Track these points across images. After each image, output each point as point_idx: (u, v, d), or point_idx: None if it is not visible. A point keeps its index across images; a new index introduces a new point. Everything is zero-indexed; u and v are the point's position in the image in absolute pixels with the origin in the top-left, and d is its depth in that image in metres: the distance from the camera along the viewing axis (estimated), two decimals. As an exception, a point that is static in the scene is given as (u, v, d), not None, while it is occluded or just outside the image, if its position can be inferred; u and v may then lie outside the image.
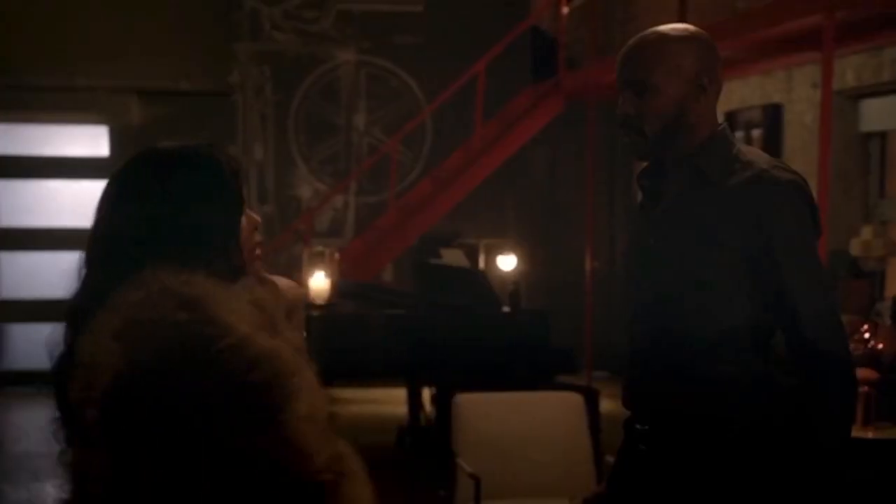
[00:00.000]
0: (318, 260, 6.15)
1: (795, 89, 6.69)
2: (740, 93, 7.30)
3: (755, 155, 2.13)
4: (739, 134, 7.32)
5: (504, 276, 7.91)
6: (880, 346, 4.03)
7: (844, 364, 2.02)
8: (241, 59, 9.36)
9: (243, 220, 1.54)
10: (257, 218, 1.59)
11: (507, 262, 8.16)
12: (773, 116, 6.85)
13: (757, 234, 2.03)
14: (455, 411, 4.30)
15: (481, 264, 8.25)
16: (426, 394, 6.71)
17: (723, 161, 2.11)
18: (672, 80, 2.08)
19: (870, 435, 4.15)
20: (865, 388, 4.15)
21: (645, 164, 2.24)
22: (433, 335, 5.92)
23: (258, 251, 1.58)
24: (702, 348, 2.08)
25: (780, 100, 6.82)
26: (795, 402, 2.04)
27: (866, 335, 4.04)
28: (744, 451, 2.06)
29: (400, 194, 9.00)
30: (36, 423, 6.05)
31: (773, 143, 6.86)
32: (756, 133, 7.08)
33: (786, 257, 2.03)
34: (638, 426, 2.19)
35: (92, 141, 9.06)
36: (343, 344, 5.79)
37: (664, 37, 2.11)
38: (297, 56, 9.41)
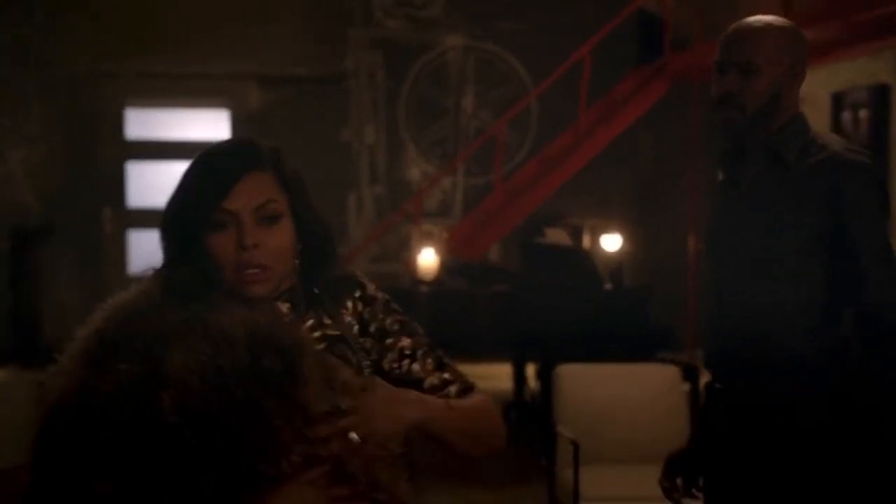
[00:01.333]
0: (427, 239, 6.42)
1: (899, 70, 6.66)
2: (848, 73, 7.27)
3: (830, 139, 2.30)
4: (847, 115, 7.30)
5: (608, 256, 8.06)
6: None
7: None
8: (353, 46, 9.66)
9: (221, 236, 1.48)
10: (248, 240, 1.48)
11: (611, 242, 8.30)
12: (879, 97, 6.83)
13: (829, 214, 2.19)
14: (556, 381, 4.52)
15: (586, 244, 8.40)
16: (530, 370, 6.93)
17: (800, 144, 2.28)
18: (774, 65, 2.27)
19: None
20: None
21: (726, 147, 2.42)
22: (538, 312, 6.13)
23: (247, 272, 1.48)
24: (775, 319, 2.25)
25: (888, 80, 6.79)
26: (863, 374, 2.19)
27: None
28: (813, 419, 2.22)
29: (506, 176, 9.17)
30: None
31: (879, 123, 6.84)
32: (863, 114, 7.07)
33: (856, 236, 2.18)
34: (717, 386, 2.38)
35: (214, 125, 9.53)
36: (450, 319, 6.04)
37: (770, 25, 2.29)
38: (408, 42, 9.67)
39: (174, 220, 1.51)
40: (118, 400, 1.31)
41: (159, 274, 1.48)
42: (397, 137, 9.75)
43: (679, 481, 2.51)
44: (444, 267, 6.42)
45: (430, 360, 1.64)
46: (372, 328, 1.62)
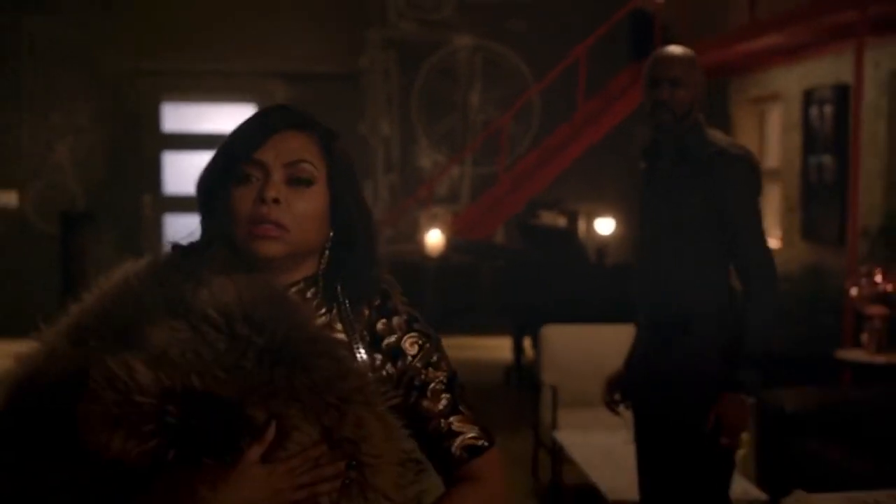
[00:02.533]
0: (434, 220, 7.21)
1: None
2: (816, 73, 8.00)
3: (719, 138, 3.09)
4: (814, 110, 8.04)
5: (602, 239, 8.85)
6: (889, 286, 4.88)
7: (771, 281, 2.96)
8: (370, 45, 10.25)
9: (245, 188, 1.37)
10: (270, 193, 1.35)
11: (604, 225, 9.07)
12: (841, 95, 7.54)
13: (718, 195, 2.99)
14: (542, 340, 5.33)
15: (581, 227, 9.16)
16: (527, 341, 7.73)
17: (698, 142, 3.07)
18: (693, 82, 3.07)
19: (881, 360, 5.02)
20: (878, 323, 5.03)
21: (647, 143, 3.22)
22: (531, 284, 6.92)
23: (260, 226, 1.35)
24: (680, 274, 3.05)
25: (849, 80, 7.51)
26: (743, 312, 2.99)
27: (878, 278, 4.91)
28: (709, 339, 3.02)
29: (510, 165, 9.73)
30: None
31: (841, 119, 7.55)
32: (828, 110, 7.79)
33: (736, 211, 2.98)
34: (643, 321, 3.19)
35: (242, 118, 10.28)
36: (454, 290, 6.83)
37: (686, 52, 3.11)
38: (420, 42, 10.23)
39: (208, 174, 1.41)
40: (78, 377, 1.23)
41: (163, 250, 1.41)
42: (410, 130, 10.34)
43: (616, 396, 3.32)
44: (450, 245, 7.20)
45: (443, 400, 1.44)
46: (384, 345, 1.43)
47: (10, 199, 9.81)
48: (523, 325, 7.47)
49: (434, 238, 7.02)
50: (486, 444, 1.46)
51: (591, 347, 5.19)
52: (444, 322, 8.76)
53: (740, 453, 3.50)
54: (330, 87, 10.22)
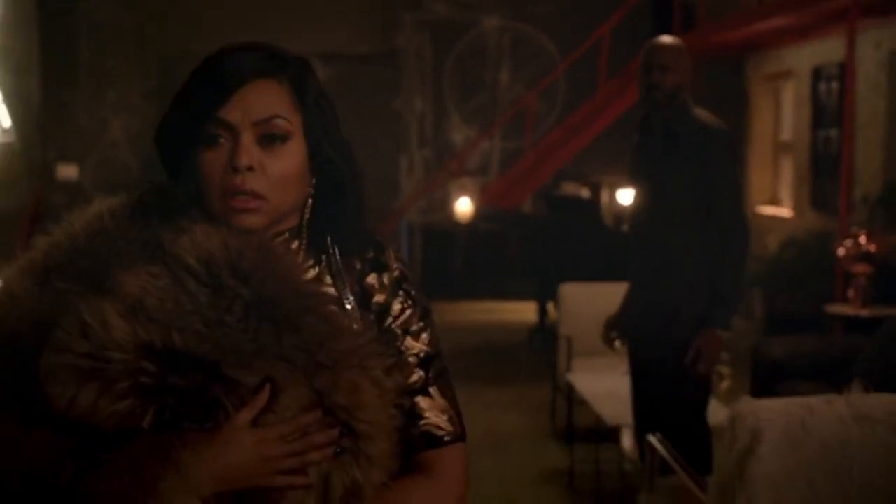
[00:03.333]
0: (463, 190, 7.77)
1: (862, 49, 7.83)
2: (824, 51, 8.47)
3: (703, 114, 3.64)
4: (822, 86, 8.51)
5: (623, 208, 9.36)
6: (872, 247, 5.39)
7: (745, 235, 3.50)
8: (404, 27, 10.80)
9: (213, 152, 1.21)
10: (242, 161, 1.20)
11: (625, 196, 9.58)
12: (845, 73, 7.99)
13: (702, 162, 3.53)
14: (561, 296, 5.90)
15: (604, 198, 9.68)
16: (551, 305, 8.28)
17: (685, 119, 3.61)
18: (681, 67, 3.62)
19: (865, 313, 5.55)
20: (863, 280, 5.55)
21: (641, 120, 3.77)
22: (555, 250, 7.49)
23: (236, 198, 1.20)
24: (670, 225, 3.61)
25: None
26: (721, 265, 3.53)
27: (862, 240, 5.42)
28: (691, 289, 3.57)
29: (536, 141, 10.27)
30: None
31: (845, 95, 8.01)
32: (834, 86, 8.26)
33: (718, 178, 3.52)
34: (636, 274, 3.75)
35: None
36: (482, 255, 7.42)
37: (676, 42, 3.66)
38: (451, 23, 10.77)
39: (168, 130, 1.26)
40: (43, 323, 1.13)
41: (140, 191, 1.28)
42: (442, 107, 10.89)
43: (613, 334, 3.89)
44: (478, 213, 7.77)
45: (414, 375, 1.30)
46: (373, 302, 1.32)
47: (70, 172, 10.52)
48: (547, 288, 8.01)
49: (463, 206, 7.58)
50: (447, 437, 1.31)
51: (602, 303, 5.70)
52: (472, 286, 9.37)
53: (723, 385, 4.07)
54: (367, 66, 10.77)
